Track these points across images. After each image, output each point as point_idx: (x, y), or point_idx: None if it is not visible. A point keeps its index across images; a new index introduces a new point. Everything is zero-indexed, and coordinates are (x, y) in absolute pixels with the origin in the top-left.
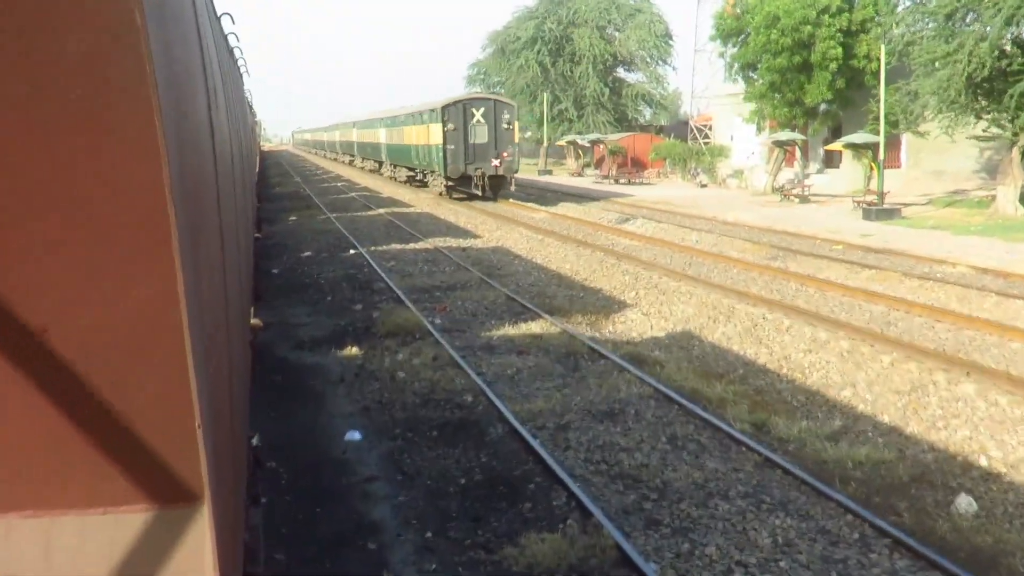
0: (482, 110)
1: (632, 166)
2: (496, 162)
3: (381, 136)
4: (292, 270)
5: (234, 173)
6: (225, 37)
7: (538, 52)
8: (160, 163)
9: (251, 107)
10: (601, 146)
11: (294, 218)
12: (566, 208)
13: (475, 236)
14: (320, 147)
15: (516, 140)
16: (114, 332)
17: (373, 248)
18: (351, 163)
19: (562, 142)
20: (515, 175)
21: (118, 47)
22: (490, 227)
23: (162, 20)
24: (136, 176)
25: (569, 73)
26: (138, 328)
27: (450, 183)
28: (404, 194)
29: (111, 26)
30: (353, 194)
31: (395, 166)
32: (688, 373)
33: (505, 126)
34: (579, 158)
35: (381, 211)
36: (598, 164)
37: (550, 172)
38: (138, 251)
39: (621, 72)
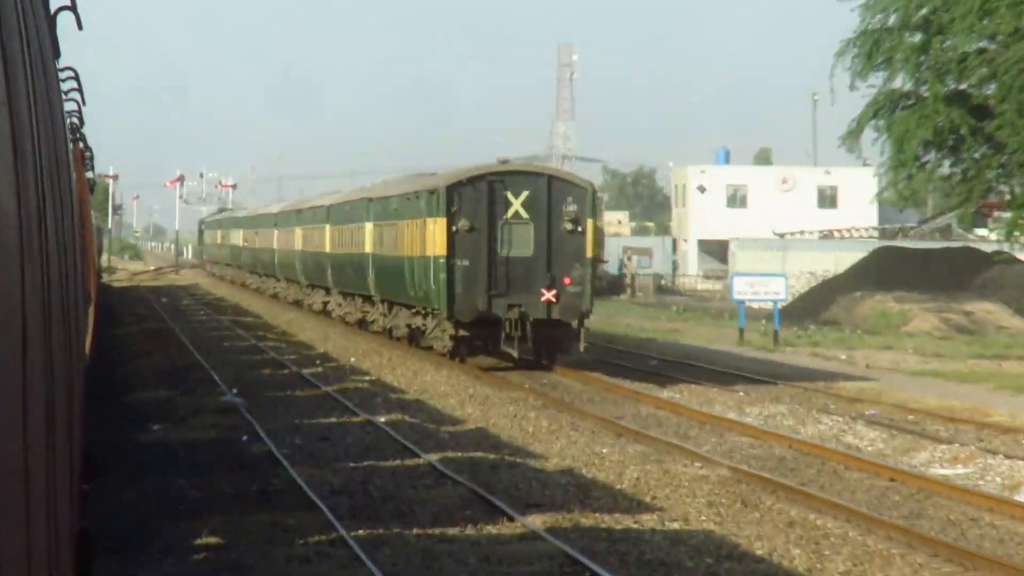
0: (524, 193)
1: None
2: (549, 294)
3: (366, 238)
4: None
5: None
6: None
7: None
8: None
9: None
10: None
11: None
12: None
13: None
14: (245, 261)
15: (590, 252)
16: None
17: None
18: (325, 307)
19: None
20: (586, 318)
21: None
22: None
23: None
24: None
25: None
26: None
27: (461, 332)
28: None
29: None
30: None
31: (389, 304)
32: None
33: (568, 225)
34: None
35: None
36: None
37: None
38: None
39: None
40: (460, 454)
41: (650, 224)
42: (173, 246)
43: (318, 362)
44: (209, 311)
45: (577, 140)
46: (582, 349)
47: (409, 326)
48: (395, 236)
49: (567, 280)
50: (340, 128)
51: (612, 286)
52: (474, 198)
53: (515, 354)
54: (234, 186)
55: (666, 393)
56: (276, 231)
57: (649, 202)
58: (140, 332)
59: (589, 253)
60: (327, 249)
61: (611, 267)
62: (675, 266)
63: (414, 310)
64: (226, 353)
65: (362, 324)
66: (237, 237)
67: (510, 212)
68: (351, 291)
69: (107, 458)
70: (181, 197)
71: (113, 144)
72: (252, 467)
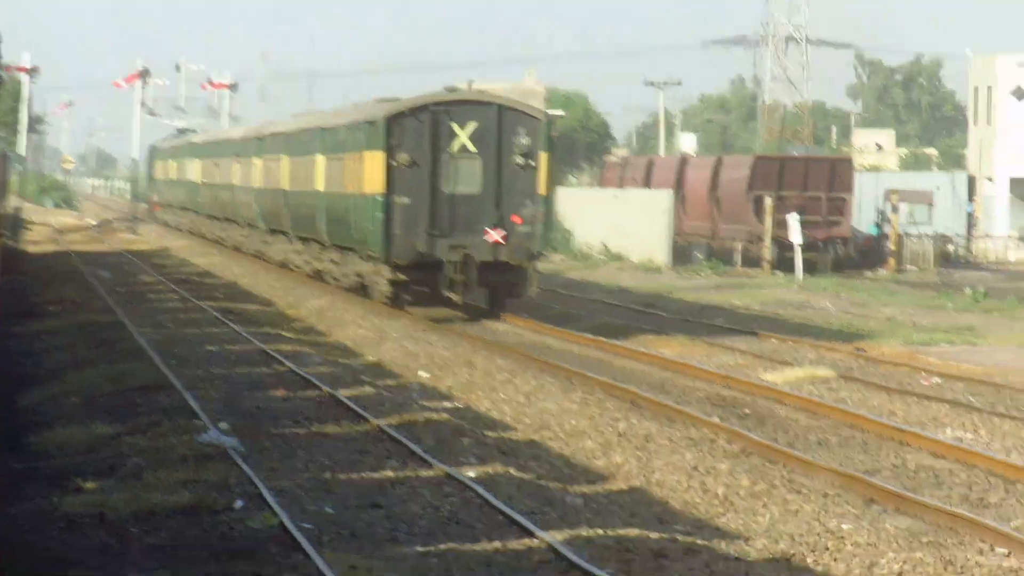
0: (472, 125)
1: None
2: (496, 235)
3: (318, 174)
4: None
5: None
6: None
7: None
8: None
9: None
10: None
11: None
12: None
13: None
14: (204, 203)
15: (543, 189)
16: None
17: None
18: (286, 259)
19: None
20: (536, 262)
21: None
22: None
23: None
24: None
25: None
26: None
27: (400, 277)
28: None
29: None
30: None
31: (341, 251)
32: None
33: (518, 159)
34: None
35: None
36: None
37: None
38: None
39: None
40: (601, 531)
41: (931, 151)
42: (129, 186)
43: (365, 378)
44: (185, 292)
45: (811, 11)
46: (533, 294)
47: (359, 275)
48: (341, 171)
49: (517, 219)
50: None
51: (866, 255)
52: (416, 130)
53: (458, 300)
54: (233, 86)
55: (949, 432)
56: (237, 163)
57: (929, 116)
58: (68, 329)
59: (542, 190)
60: (284, 186)
61: (863, 222)
62: (971, 222)
63: (361, 255)
64: (212, 363)
65: (319, 276)
66: (194, 171)
67: (455, 145)
68: (307, 236)
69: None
70: (144, 105)
71: (33, 20)
72: (251, 556)
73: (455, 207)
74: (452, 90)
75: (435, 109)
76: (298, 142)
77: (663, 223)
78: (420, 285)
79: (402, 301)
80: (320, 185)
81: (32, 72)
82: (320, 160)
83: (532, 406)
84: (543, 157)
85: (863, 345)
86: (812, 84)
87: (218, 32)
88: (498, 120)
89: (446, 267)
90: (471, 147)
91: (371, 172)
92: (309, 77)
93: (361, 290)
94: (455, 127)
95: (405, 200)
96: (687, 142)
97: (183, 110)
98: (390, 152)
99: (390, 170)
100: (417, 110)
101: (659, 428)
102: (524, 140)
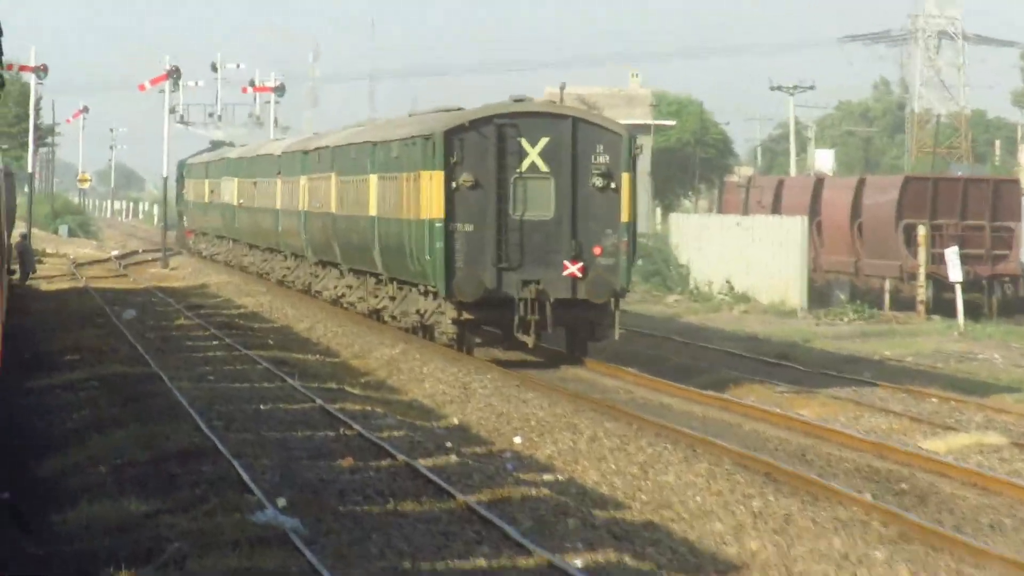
0: (543, 140)
1: None
2: (574, 267)
3: (371, 196)
4: None
5: None
6: None
7: None
8: None
9: None
10: None
11: None
12: None
13: None
14: (243, 229)
15: (627, 215)
16: None
17: None
18: (337, 293)
19: None
20: (622, 297)
21: None
22: None
23: None
24: None
25: None
26: None
27: (463, 315)
28: None
29: None
30: None
31: (399, 285)
32: None
33: (598, 180)
34: None
35: None
36: None
37: None
38: None
39: None
40: None
41: None
42: (157, 209)
43: (449, 444)
44: (229, 337)
45: (969, 2)
46: (616, 336)
47: (420, 313)
48: (396, 193)
49: (597, 250)
50: None
51: None
52: (479, 146)
53: (530, 343)
54: (278, 89)
55: None
56: (280, 182)
57: None
58: (90, 383)
59: (626, 216)
60: (333, 209)
61: None
62: None
63: (421, 290)
64: (264, 425)
65: (377, 316)
66: (230, 191)
67: (525, 164)
68: (361, 268)
69: None
70: (173, 111)
71: (43, 18)
72: None
73: (525, 235)
74: (520, 100)
75: (501, 122)
76: (347, 158)
77: (796, 257)
78: (488, 325)
79: (470, 344)
80: (373, 209)
81: (40, 72)
82: (372, 180)
83: (649, 479)
84: (626, 178)
85: None
86: (971, 89)
87: (261, 25)
88: (573, 135)
89: (518, 303)
90: (542, 166)
91: (429, 195)
92: (371, 80)
93: (423, 331)
94: (524, 143)
95: (468, 227)
96: (823, 159)
97: (220, 118)
98: (450, 172)
99: (450, 192)
100: (480, 123)
101: (800, 507)
102: (603, 158)
